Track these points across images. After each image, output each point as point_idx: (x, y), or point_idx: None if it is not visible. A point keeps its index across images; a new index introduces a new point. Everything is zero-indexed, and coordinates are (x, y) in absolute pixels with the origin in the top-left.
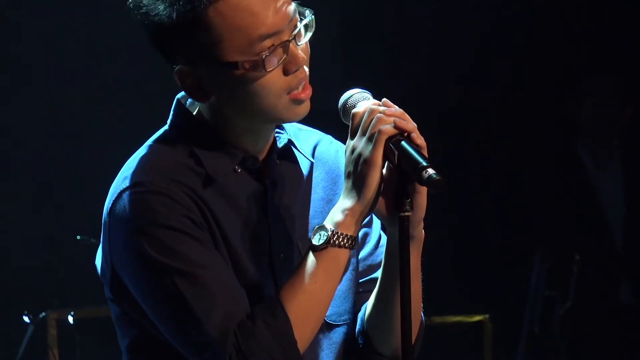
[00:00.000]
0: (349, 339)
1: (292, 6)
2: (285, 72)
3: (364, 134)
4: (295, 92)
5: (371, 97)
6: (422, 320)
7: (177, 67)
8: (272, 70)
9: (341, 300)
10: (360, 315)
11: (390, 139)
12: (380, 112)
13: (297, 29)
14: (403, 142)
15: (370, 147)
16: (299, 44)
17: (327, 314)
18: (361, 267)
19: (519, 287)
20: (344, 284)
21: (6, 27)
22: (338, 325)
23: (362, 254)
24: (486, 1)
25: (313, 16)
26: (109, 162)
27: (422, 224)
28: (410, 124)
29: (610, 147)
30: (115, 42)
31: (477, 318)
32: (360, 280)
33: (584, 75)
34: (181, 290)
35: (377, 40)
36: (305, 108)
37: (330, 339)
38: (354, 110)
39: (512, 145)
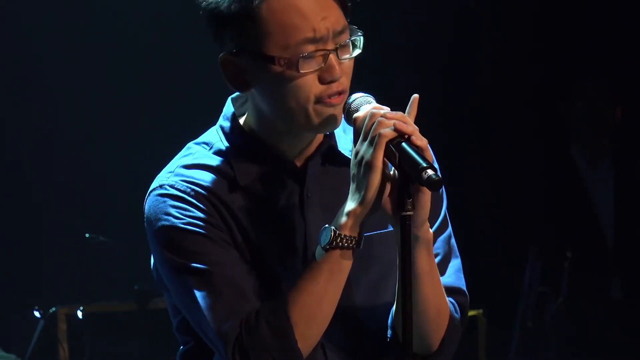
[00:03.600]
0: (384, 339)
1: (343, 21)
2: (321, 81)
3: (365, 137)
4: (325, 100)
5: (374, 101)
6: (453, 318)
7: (222, 54)
8: (306, 74)
9: (380, 306)
10: (391, 311)
11: (391, 141)
12: (380, 116)
13: (343, 44)
14: (403, 144)
15: (371, 150)
16: (341, 57)
17: (367, 318)
18: None
19: (513, 283)
20: (385, 290)
21: (18, 26)
22: (375, 328)
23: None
24: (481, 6)
25: (362, 37)
26: (118, 162)
27: (426, 224)
28: (410, 127)
29: (601, 147)
30: (151, 43)
31: (471, 313)
32: None
33: (575, 78)
34: (192, 287)
35: (377, 43)
36: (334, 121)
37: (366, 340)
38: (355, 115)
39: (506, 145)
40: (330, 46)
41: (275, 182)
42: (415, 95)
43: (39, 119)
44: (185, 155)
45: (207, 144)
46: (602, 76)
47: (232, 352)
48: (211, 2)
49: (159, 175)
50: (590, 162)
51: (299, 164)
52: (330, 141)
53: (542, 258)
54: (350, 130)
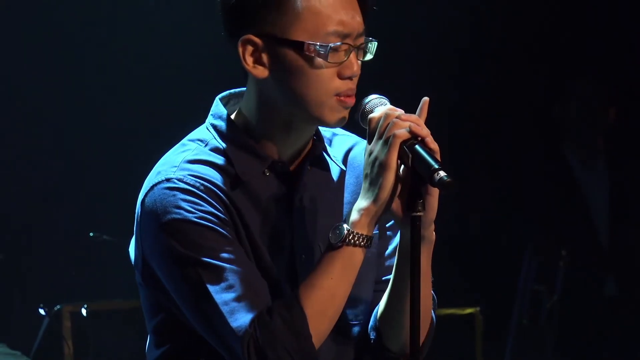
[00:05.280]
0: (363, 336)
1: (363, 25)
2: (340, 76)
3: (380, 137)
4: (343, 97)
5: (388, 103)
6: (432, 320)
7: (244, 37)
8: (332, 65)
9: (360, 302)
10: (374, 312)
11: (404, 142)
12: (395, 117)
13: (362, 44)
14: (417, 146)
15: (385, 150)
16: (358, 58)
17: (346, 314)
18: (381, 267)
19: (509, 282)
20: (365, 287)
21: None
22: (354, 325)
23: (384, 255)
24: (479, 8)
25: (376, 44)
26: (123, 161)
27: (432, 226)
28: (424, 130)
29: (595, 148)
30: (149, 38)
31: (468, 311)
32: (377, 280)
33: (570, 79)
34: (204, 282)
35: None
36: (343, 118)
37: (345, 338)
38: (370, 115)
39: (502, 146)
40: (354, 43)
41: (268, 182)
42: (426, 98)
43: (42, 119)
44: (183, 151)
45: (201, 141)
46: (596, 77)
47: (248, 349)
48: None
49: (159, 170)
50: (584, 162)
51: (291, 166)
52: (321, 145)
53: (538, 257)
54: (339, 135)
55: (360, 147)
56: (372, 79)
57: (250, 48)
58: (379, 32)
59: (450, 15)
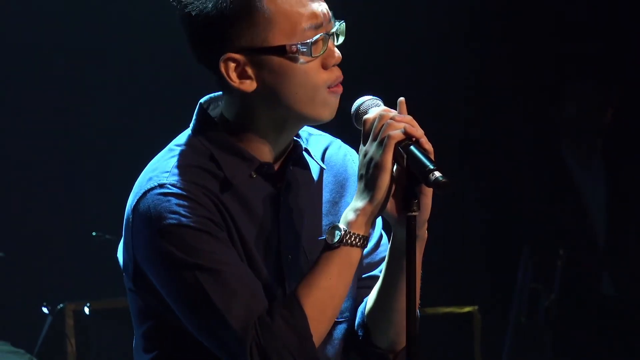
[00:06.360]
0: (349, 334)
1: (329, 10)
2: (324, 66)
3: (374, 138)
4: (333, 87)
5: (382, 104)
6: (417, 317)
7: (223, 56)
8: (315, 59)
9: (345, 299)
10: (360, 309)
11: (399, 143)
12: (390, 118)
13: (335, 28)
14: (412, 147)
15: (380, 151)
16: (335, 43)
17: None
18: (360, 265)
19: (507, 280)
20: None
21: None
22: (339, 322)
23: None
24: (477, 11)
25: (344, 24)
26: (124, 161)
27: (426, 225)
28: (418, 131)
29: (593, 148)
30: (139, 39)
31: (467, 309)
32: (360, 277)
33: (568, 80)
34: (203, 286)
35: (378, 48)
36: (334, 110)
37: (331, 335)
38: (365, 117)
39: (501, 145)
40: (327, 31)
41: (255, 184)
42: (401, 98)
43: (43, 118)
44: (172, 157)
45: (188, 145)
46: (595, 77)
47: (250, 352)
48: (206, 7)
49: (151, 176)
50: (583, 162)
51: (275, 167)
52: (302, 145)
53: (536, 255)
54: (314, 134)
55: (334, 147)
56: (367, 79)
57: (232, 65)
58: (376, 32)
59: (449, 15)
